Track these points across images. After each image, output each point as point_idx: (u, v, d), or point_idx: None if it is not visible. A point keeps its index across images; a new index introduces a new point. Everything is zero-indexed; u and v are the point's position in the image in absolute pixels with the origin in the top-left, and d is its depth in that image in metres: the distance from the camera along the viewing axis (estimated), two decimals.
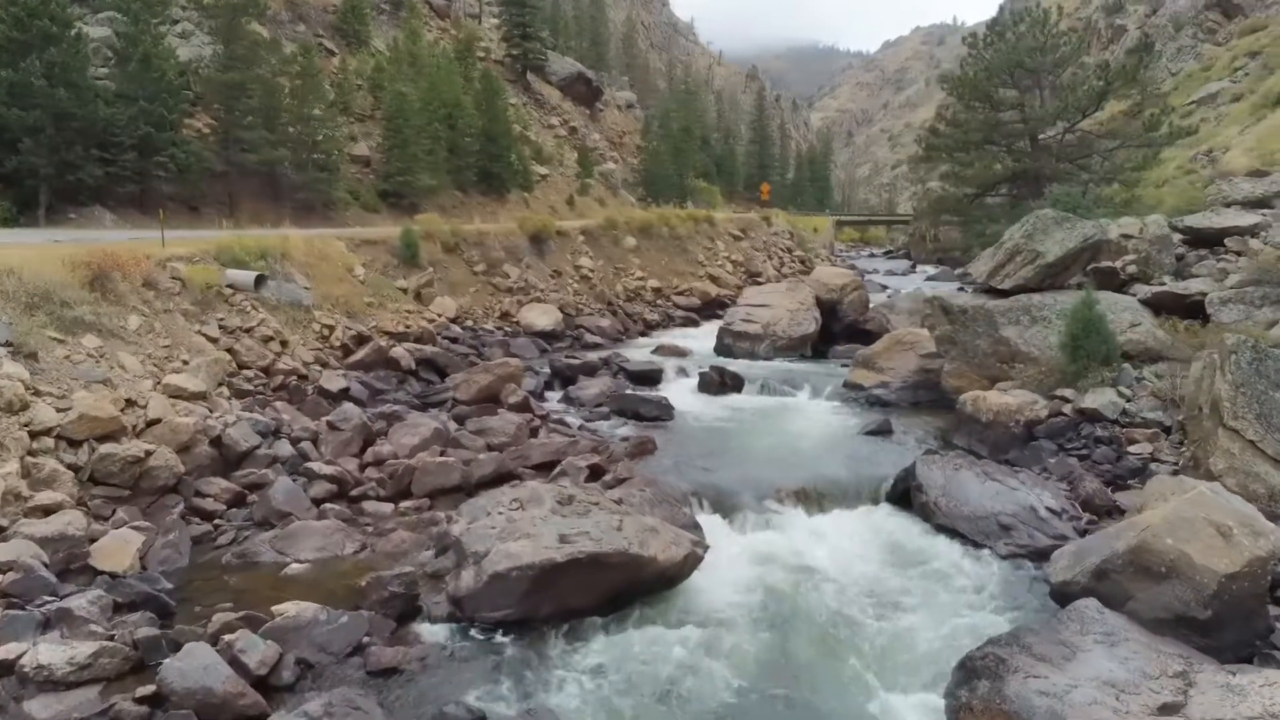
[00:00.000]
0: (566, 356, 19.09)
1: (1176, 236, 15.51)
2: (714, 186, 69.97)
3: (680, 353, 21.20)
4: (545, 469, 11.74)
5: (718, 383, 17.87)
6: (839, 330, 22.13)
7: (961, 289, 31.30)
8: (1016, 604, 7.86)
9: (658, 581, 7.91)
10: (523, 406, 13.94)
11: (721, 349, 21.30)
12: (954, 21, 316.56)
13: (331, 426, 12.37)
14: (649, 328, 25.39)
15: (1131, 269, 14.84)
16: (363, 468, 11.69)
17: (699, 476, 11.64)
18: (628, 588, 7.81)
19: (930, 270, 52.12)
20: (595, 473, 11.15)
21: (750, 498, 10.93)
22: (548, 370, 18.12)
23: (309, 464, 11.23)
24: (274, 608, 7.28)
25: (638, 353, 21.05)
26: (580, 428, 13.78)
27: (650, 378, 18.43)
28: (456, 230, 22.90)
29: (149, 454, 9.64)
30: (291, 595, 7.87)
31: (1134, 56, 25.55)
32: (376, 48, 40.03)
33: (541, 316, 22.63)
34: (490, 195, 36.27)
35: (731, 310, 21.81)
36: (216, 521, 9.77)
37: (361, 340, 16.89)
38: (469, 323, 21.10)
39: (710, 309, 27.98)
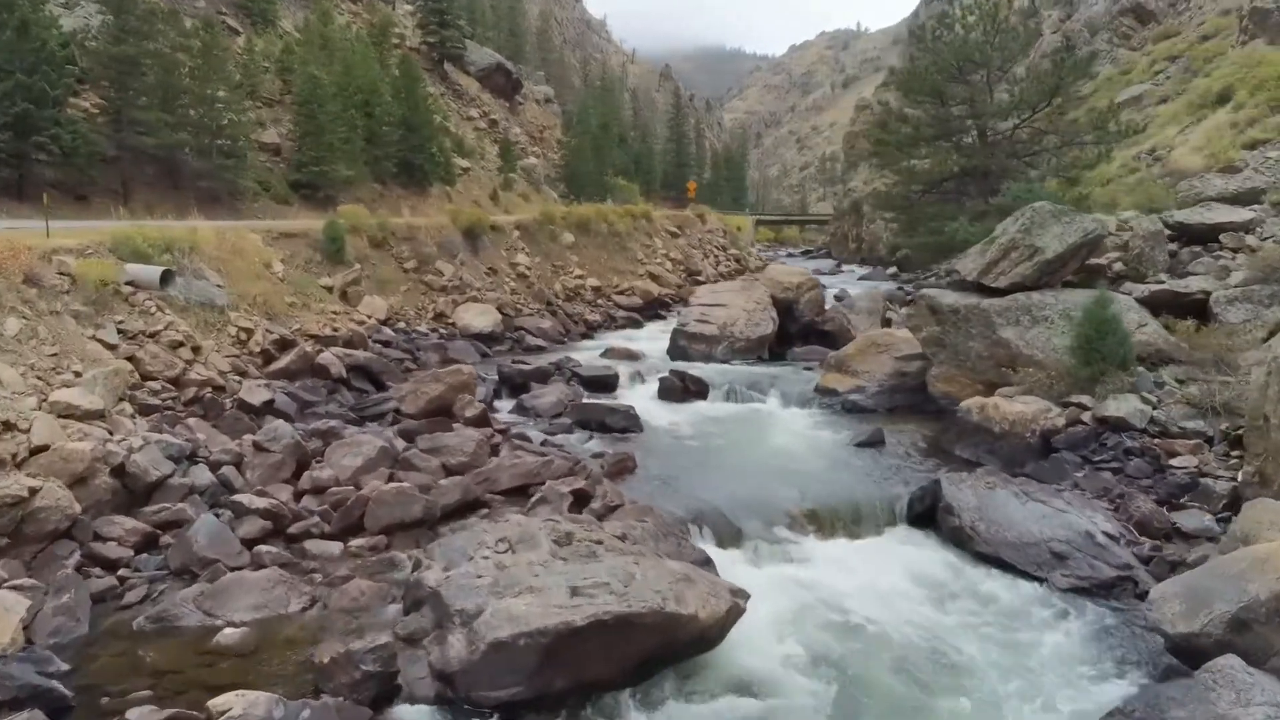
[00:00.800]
0: (515, 361, 17.47)
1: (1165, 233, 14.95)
2: (633, 184, 68.93)
3: (632, 356, 19.80)
4: (518, 494, 10.19)
5: (680, 389, 16.56)
6: (795, 331, 21.08)
7: (902, 288, 30.90)
8: (1117, 657, 6.72)
9: (696, 643, 6.49)
10: (480, 420, 12.31)
11: (676, 351, 19.99)
12: (857, 28, 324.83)
13: (258, 447, 10.51)
14: (591, 329, 23.90)
15: (1119, 266, 14.14)
16: (299, 496, 9.92)
17: (692, 499, 10.29)
18: (660, 652, 6.38)
19: (859, 270, 52.09)
20: (580, 499, 9.65)
21: (757, 523, 9.64)
22: (495, 377, 16.45)
23: (235, 495, 9.41)
24: (211, 702, 5.55)
25: (587, 356, 19.55)
26: (544, 443, 12.22)
27: (606, 384, 16.99)
28: (384, 224, 20.95)
29: (34, 492, 7.71)
30: (230, 676, 6.20)
31: (1084, 54, 25.27)
32: (285, 29, 37.30)
33: (479, 317, 20.89)
34: (411, 188, 34.10)
35: (685, 311, 20.53)
36: (123, 573, 7.92)
37: (284, 345, 14.91)
38: (401, 324, 19.22)
39: (652, 309, 26.67)
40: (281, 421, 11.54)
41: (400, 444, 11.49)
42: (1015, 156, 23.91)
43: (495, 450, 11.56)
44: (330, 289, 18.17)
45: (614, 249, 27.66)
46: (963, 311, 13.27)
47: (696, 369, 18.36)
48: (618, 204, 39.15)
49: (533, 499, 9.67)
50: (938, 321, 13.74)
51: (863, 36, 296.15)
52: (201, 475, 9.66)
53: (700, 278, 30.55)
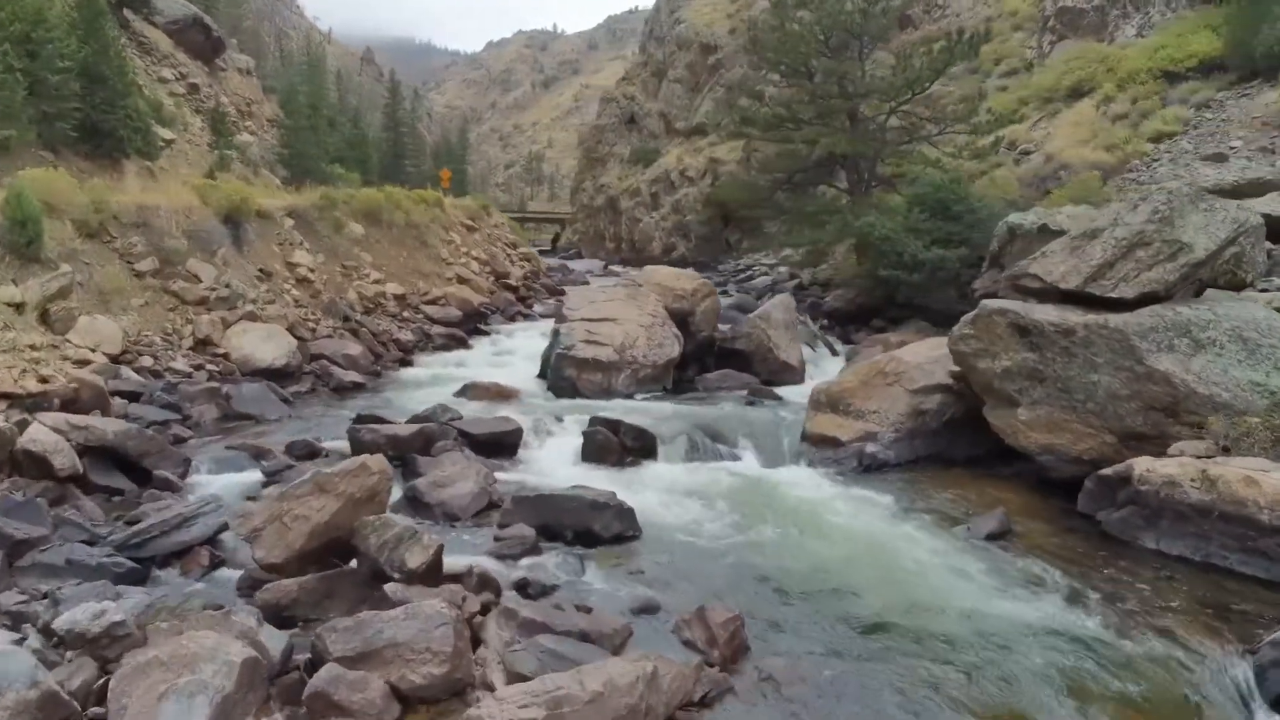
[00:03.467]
0: (362, 420, 11.25)
1: None
2: (352, 173, 60.81)
3: (503, 393, 14.22)
4: None
5: (616, 446, 11.47)
6: (693, 351, 16.54)
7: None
8: None
9: None
10: (432, 570, 6.38)
11: (560, 384, 14.68)
12: (555, 29, 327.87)
13: None
14: (406, 352, 17.71)
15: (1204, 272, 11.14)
16: None
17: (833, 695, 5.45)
18: None
19: (633, 271, 48.67)
20: None
21: None
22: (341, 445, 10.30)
23: None
24: None
25: (431, 397, 13.68)
26: (558, 604, 6.62)
27: (505, 444, 11.45)
28: (101, 201, 13.41)
29: None
30: None
31: (973, 34, 23.24)
32: None
33: (264, 344, 14.11)
34: (99, 161, 25.00)
35: (565, 330, 15.19)
36: None
37: None
38: (147, 360, 12.10)
39: (472, 321, 20.85)
40: None
41: (276, 644, 5.45)
42: (886, 144, 21.17)
43: (477, 636, 5.87)
44: (18, 306, 10.74)
45: (413, 245, 21.42)
46: (1079, 333, 9.51)
47: (606, 409, 13.35)
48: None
49: None
50: (1030, 346, 9.89)
51: (560, 38, 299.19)
52: None
53: (510, 281, 25.03)
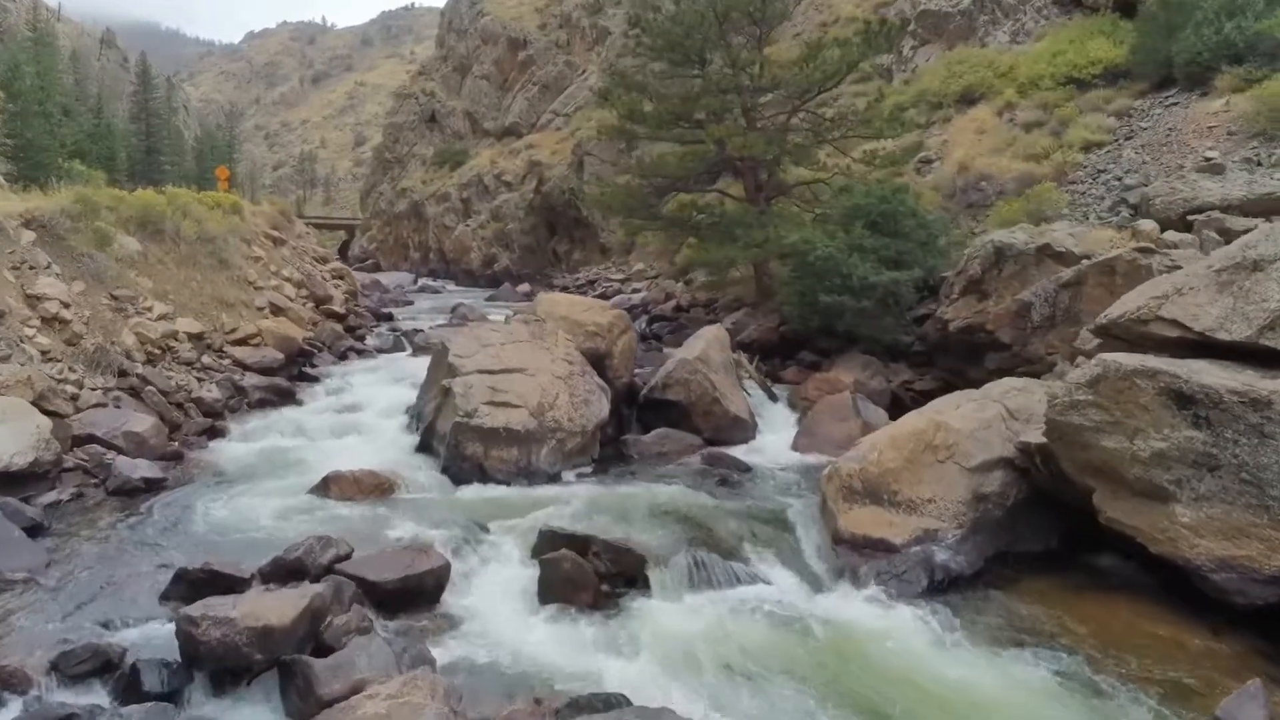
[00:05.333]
0: (195, 583, 6.74)
1: None
2: (95, 171, 51.64)
3: (378, 487, 9.96)
4: None
5: (592, 577, 7.80)
6: (612, 404, 12.87)
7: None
8: None
9: None
10: None
11: (460, 466, 10.58)
12: (324, 22, 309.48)
13: None
14: (213, 414, 12.79)
15: None
16: None
17: None
18: None
19: (451, 285, 43.79)
20: None
21: None
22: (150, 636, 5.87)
23: None
24: None
25: (291, 507, 9.26)
26: None
27: (424, 590, 7.38)
28: None
29: None
30: None
31: (895, 22, 20.74)
32: None
33: None
34: None
35: (460, 388, 10.99)
36: None
37: None
38: None
39: (296, 365, 16.04)
40: None
41: None
42: (788, 147, 18.47)
43: None
44: None
45: (209, 265, 16.17)
46: (1278, 405, 6.86)
47: (534, 500, 9.63)
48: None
49: None
50: (1196, 422, 7.18)
51: (330, 32, 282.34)
52: None
53: (334, 308, 20.09)
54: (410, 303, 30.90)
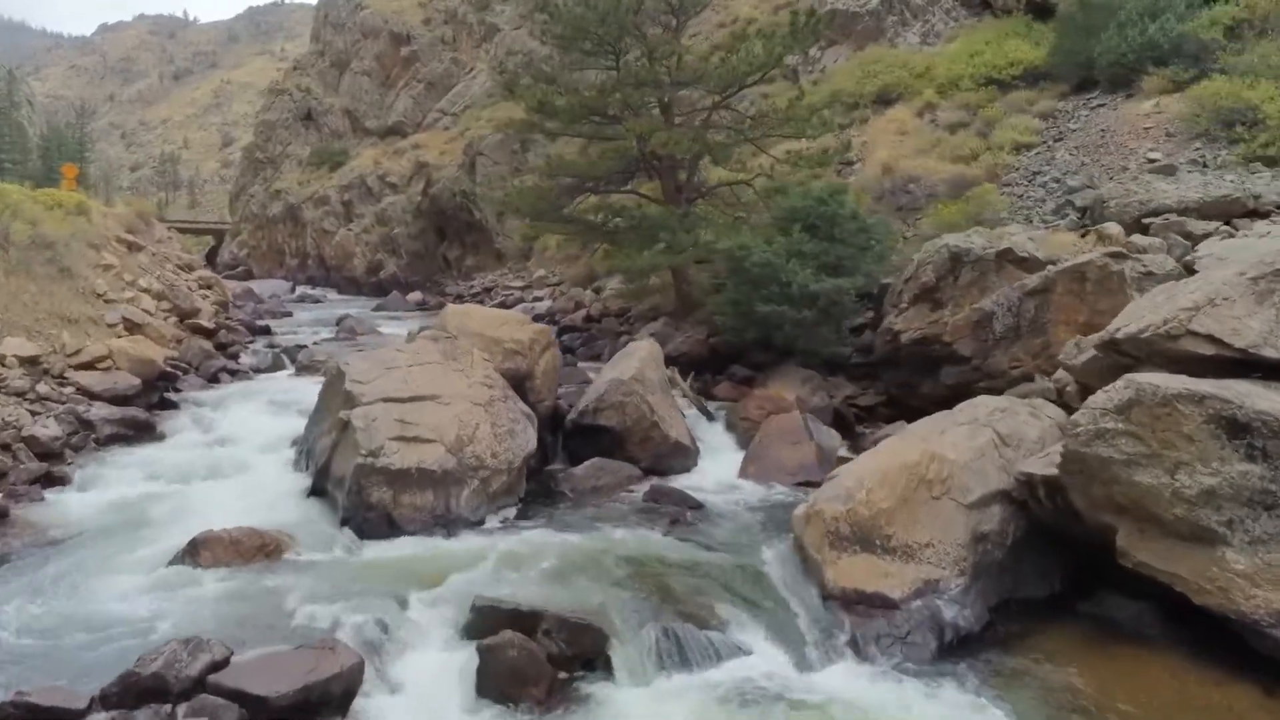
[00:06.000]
0: None
1: None
2: None
3: (263, 548, 8.09)
4: None
5: (545, 665, 6.33)
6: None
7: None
8: None
9: None
10: None
11: (364, 516, 8.78)
12: (185, 16, 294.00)
13: None
14: (51, 457, 10.52)
15: None
16: None
17: None
18: None
19: (333, 294, 40.81)
20: None
21: None
22: None
23: None
24: None
25: (150, 584, 7.36)
26: None
27: (328, 702, 5.67)
28: None
29: None
30: None
31: (827, 11, 19.56)
32: None
33: None
34: None
35: (361, 420, 9.18)
36: None
37: None
38: None
39: (157, 391, 13.76)
40: None
41: None
42: (706, 147, 17.27)
43: None
44: None
45: (47, 275, 13.65)
46: None
47: (452, 557, 8.06)
48: None
49: None
50: (1251, 453, 6.20)
51: (193, 27, 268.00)
52: None
53: (202, 322, 17.64)
54: (289, 314, 28.28)
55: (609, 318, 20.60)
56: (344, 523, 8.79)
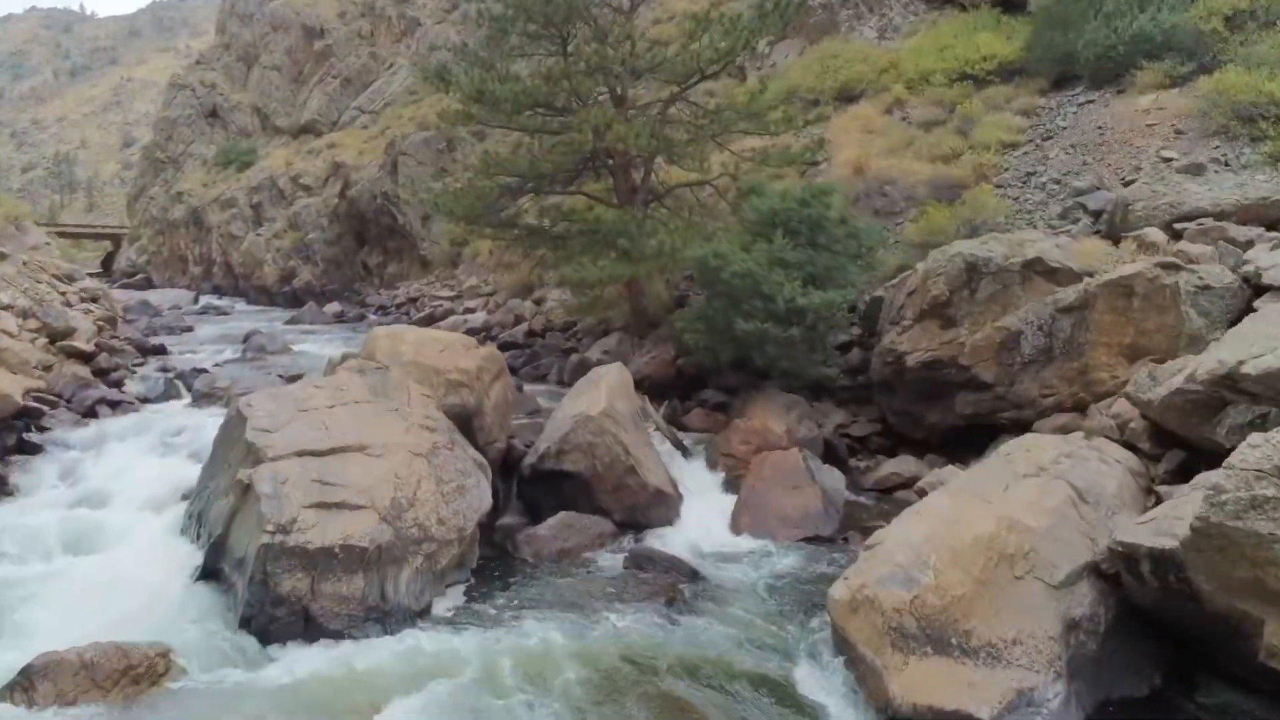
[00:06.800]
0: None
1: None
2: None
3: (128, 671, 5.92)
4: None
5: None
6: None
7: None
8: None
9: None
10: None
11: (267, 613, 6.65)
12: (81, 9, 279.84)
13: None
14: None
15: None
16: None
17: None
18: None
19: (241, 304, 37.60)
20: None
21: None
22: None
23: None
24: None
25: None
26: None
27: None
28: None
29: None
30: None
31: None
32: None
33: None
34: None
35: (266, 481, 7.10)
36: None
37: None
38: None
39: (14, 430, 11.25)
40: None
41: None
42: (667, 143, 15.49)
43: None
44: None
45: None
46: None
47: (393, 668, 6.04)
48: None
49: None
50: None
51: (90, 21, 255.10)
52: None
53: (78, 345, 15.04)
54: (190, 329, 25.36)
55: (553, 332, 18.62)
56: (244, 623, 6.66)
